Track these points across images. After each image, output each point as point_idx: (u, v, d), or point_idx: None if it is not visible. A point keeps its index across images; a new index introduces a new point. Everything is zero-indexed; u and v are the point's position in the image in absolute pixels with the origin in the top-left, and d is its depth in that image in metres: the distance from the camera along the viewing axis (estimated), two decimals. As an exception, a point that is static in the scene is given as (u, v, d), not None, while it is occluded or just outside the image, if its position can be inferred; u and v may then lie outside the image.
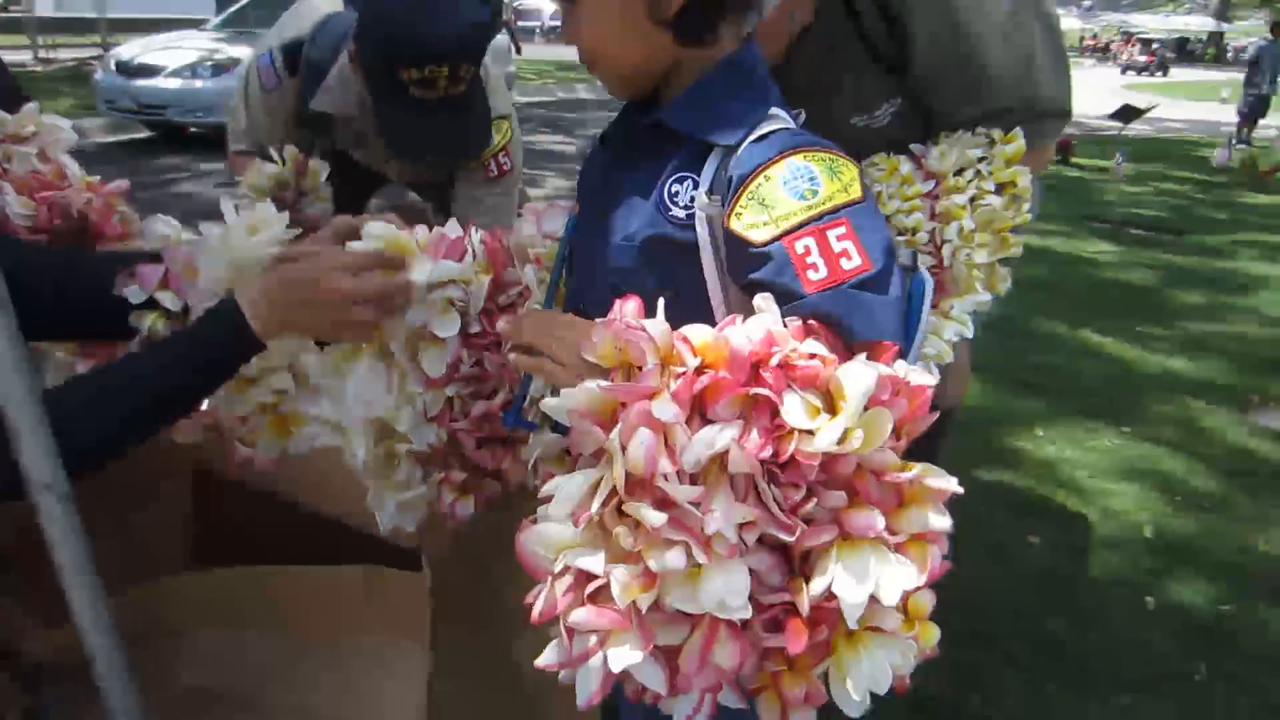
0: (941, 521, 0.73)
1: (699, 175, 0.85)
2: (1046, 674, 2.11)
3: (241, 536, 1.38)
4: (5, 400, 0.75)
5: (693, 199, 0.84)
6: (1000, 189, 1.38)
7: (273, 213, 1.05)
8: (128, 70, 8.10)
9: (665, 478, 0.67)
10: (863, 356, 0.72)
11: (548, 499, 0.76)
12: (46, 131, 1.40)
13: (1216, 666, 2.16)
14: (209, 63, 8.02)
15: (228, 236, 1.01)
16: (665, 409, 0.68)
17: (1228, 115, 14.31)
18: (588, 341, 0.75)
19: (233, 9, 9.58)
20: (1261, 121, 12.66)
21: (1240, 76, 13.66)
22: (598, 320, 0.78)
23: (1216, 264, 6.10)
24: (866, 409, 0.70)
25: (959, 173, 1.38)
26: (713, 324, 0.82)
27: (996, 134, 1.39)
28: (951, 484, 0.73)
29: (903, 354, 0.80)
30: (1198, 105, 19.05)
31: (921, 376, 0.73)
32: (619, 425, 0.69)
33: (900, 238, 1.35)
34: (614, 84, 0.93)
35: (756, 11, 0.91)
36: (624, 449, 0.68)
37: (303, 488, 1.34)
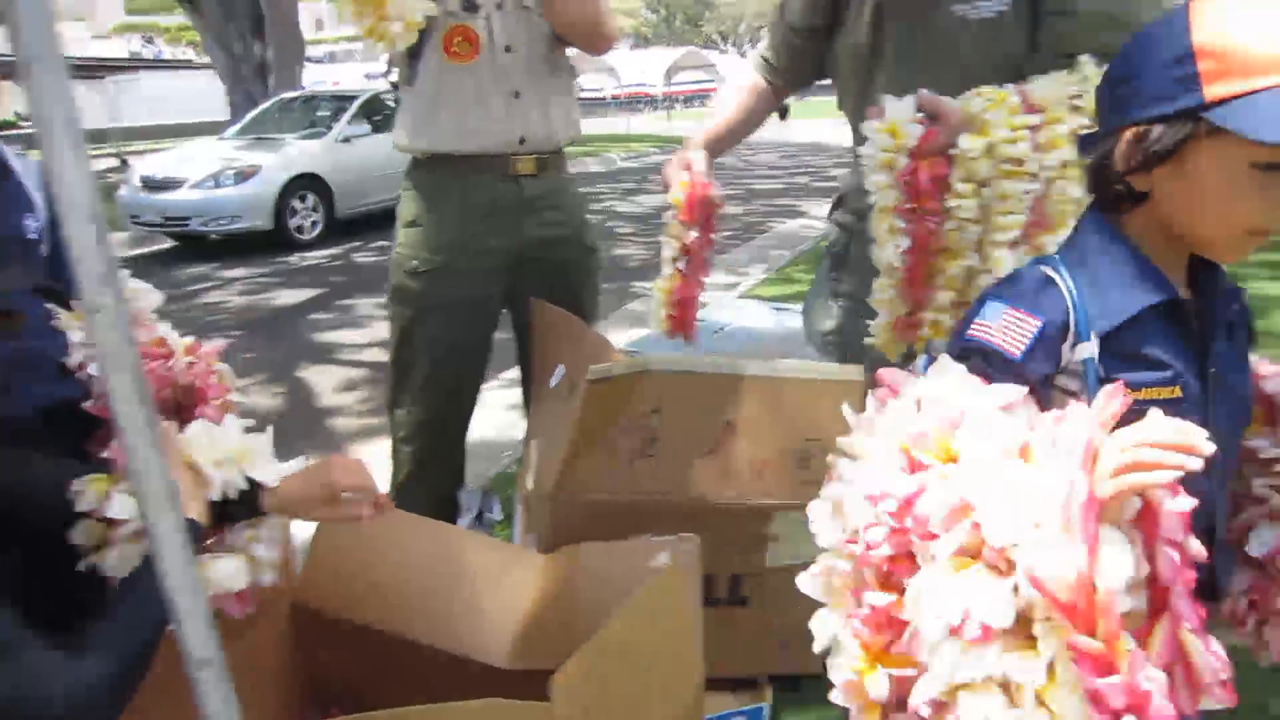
0: None
1: None
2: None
3: (341, 669, 1.48)
4: (174, 592, 0.81)
5: None
6: None
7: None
8: (151, 185, 8.14)
9: None
10: None
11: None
12: (135, 298, 1.30)
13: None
14: (231, 170, 8.07)
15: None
16: None
17: None
18: None
19: (250, 116, 9.58)
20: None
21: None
22: None
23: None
24: None
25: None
26: None
27: (1090, 70, 1.37)
28: None
29: None
30: None
31: None
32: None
33: (1005, 166, 1.35)
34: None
35: None
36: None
37: (403, 620, 1.43)
